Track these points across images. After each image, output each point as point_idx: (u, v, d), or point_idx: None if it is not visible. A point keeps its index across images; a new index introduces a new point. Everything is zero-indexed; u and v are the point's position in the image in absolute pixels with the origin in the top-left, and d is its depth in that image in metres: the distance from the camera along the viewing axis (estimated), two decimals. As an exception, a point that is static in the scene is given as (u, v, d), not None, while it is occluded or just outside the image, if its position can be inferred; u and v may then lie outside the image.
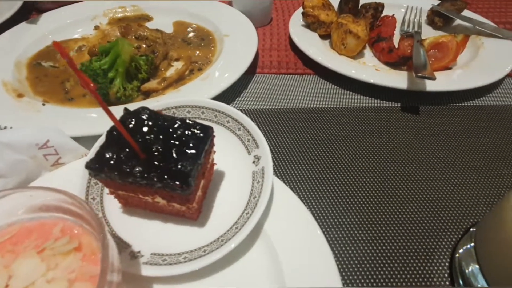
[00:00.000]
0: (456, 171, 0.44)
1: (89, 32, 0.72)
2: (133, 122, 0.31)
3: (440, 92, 0.54)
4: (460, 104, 0.55)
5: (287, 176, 0.43)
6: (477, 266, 0.30)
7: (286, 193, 0.36)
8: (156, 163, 0.29)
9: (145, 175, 0.28)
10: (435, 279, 0.33)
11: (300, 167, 0.44)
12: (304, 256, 0.32)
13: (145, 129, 0.30)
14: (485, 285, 0.29)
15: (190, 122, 0.32)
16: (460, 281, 0.32)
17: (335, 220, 0.38)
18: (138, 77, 0.54)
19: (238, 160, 0.39)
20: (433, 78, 0.49)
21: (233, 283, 0.32)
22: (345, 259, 0.35)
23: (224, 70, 0.56)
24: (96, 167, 0.28)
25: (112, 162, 0.28)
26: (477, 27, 0.67)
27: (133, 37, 0.62)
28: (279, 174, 0.43)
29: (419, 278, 0.33)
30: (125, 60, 0.51)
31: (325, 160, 0.45)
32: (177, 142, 0.30)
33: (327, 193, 0.41)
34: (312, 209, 0.39)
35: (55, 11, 0.74)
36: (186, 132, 0.31)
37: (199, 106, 0.42)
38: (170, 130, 0.31)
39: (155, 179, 0.28)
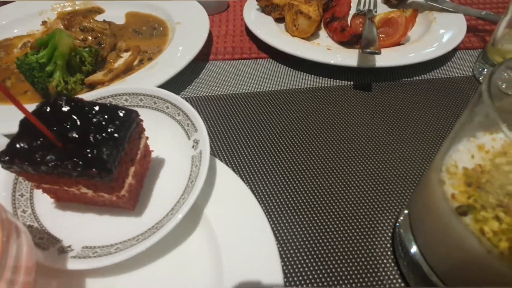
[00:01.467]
0: (405, 144, 0.44)
1: (36, 28, 0.69)
2: (48, 111, 0.29)
3: (391, 67, 0.54)
4: (411, 79, 0.55)
5: (236, 160, 0.42)
6: (411, 233, 0.29)
7: (230, 177, 0.36)
8: (72, 150, 0.27)
9: (59, 163, 0.26)
10: (377, 250, 0.33)
11: (250, 151, 0.43)
12: (246, 240, 0.31)
13: (62, 117, 0.29)
14: (417, 250, 0.28)
15: (112, 107, 0.30)
16: (400, 249, 0.31)
17: (282, 199, 0.38)
18: (82, 69, 0.52)
19: (178, 146, 0.37)
20: (378, 52, 0.49)
21: (173, 271, 0.31)
22: (288, 237, 0.34)
23: (173, 58, 0.54)
24: (6, 159, 0.27)
25: (23, 152, 0.27)
26: (429, 2, 0.67)
27: (77, 29, 0.59)
28: (227, 159, 0.42)
29: (362, 249, 0.33)
30: (63, 52, 0.48)
31: (276, 142, 0.44)
32: (96, 128, 0.28)
33: (275, 174, 0.40)
34: (259, 190, 0.38)
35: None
36: (107, 118, 0.29)
37: (137, 94, 0.40)
38: (89, 116, 0.29)
39: (70, 167, 0.26)
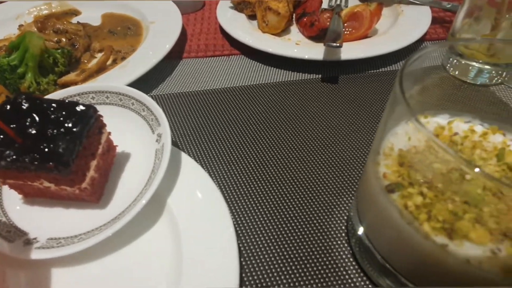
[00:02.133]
0: (369, 133, 0.45)
1: (14, 32, 0.70)
2: (9, 109, 0.30)
3: (357, 60, 0.55)
4: (378, 71, 0.57)
5: (204, 154, 0.43)
6: (358, 215, 0.31)
7: (195, 169, 0.37)
8: (31, 146, 0.28)
9: (17, 158, 0.28)
10: (332, 232, 0.35)
11: (219, 144, 0.45)
12: (206, 229, 0.32)
13: (22, 114, 0.30)
14: (362, 230, 0.30)
15: (70, 104, 0.31)
16: (351, 230, 0.33)
17: (245, 190, 0.39)
18: (55, 70, 0.53)
19: (143, 140, 0.39)
20: (340, 46, 0.50)
21: (135, 259, 0.32)
22: (250, 224, 0.36)
23: (144, 57, 0.55)
24: (-34, 156, 0.28)
25: (-17, 149, 0.28)
26: (397, -5, 0.69)
27: (51, 31, 0.60)
28: (196, 152, 0.44)
29: (319, 232, 0.35)
30: (34, 54, 0.50)
31: (244, 135, 0.46)
32: (54, 124, 0.30)
33: (241, 166, 0.42)
34: (225, 182, 0.40)
35: (-26, 13, 0.71)
36: (65, 114, 0.30)
37: (103, 91, 0.41)
38: (48, 113, 0.30)
39: (28, 161, 0.28)
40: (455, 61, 0.50)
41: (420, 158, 0.26)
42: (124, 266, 0.32)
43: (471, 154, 0.26)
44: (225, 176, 0.41)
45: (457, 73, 0.51)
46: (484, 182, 0.24)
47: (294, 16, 0.67)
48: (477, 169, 0.19)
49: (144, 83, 0.55)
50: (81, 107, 0.31)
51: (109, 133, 0.36)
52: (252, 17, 0.68)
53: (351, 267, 0.32)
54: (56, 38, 0.59)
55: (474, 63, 0.48)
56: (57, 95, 0.40)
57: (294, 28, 0.67)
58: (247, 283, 0.31)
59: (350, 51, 0.55)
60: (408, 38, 0.58)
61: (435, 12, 0.70)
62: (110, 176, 0.37)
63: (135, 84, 0.51)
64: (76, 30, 0.62)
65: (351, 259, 0.33)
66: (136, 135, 0.39)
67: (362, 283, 0.31)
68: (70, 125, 0.30)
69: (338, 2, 0.68)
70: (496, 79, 0.49)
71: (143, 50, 0.57)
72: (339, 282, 0.31)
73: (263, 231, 0.35)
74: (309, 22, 0.62)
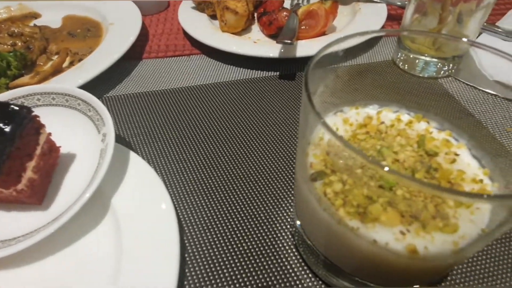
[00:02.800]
0: (318, 127, 0.46)
1: (-30, 36, 0.68)
2: None
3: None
4: (334, 66, 0.58)
5: (156, 153, 0.43)
6: (296, 206, 0.32)
7: (143, 168, 0.37)
8: (-42, 148, 0.28)
9: None
10: (278, 226, 0.35)
11: (173, 144, 0.45)
12: (149, 231, 0.32)
13: (-50, 116, 0.29)
14: (299, 221, 0.31)
15: (3, 104, 0.31)
16: (293, 222, 0.34)
17: (194, 189, 0.39)
18: (8, 74, 0.52)
19: (88, 141, 0.39)
20: (291, 43, 0.51)
21: (77, 259, 0.32)
22: (197, 221, 0.36)
23: (100, 58, 0.55)
24: None
25: None
26: (356, -6, 0.71)
27: (5, 34, 0.59)
28: (148, 152, 0.43)
29: (265, 225, 0.35)
30: (-18, 57, 0.48)
31: (200, 133, 0.46)
32: (-17, 125, 0.29)
33: (193, 166, 0.42)
34: (174, 181, 0.40)
35: None
36: (-4, 114, 0.30)
37: (49, 93, 0.41)
38: (-22, 114, 0.30)
39: (-47, 163, 0.27)
40: (403, 55, 0.52)
41: (344, 152, 0.27)
42: (64, 267, 0.31)
43: (392, 141, 0.27)
44: (177, 175, 0.41)
45: (406, 67, 0.52)
46: (398, 167, 0.25)
47: (255, 15, 0.68)
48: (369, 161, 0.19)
49: (102, 84, 0.55)
50: (13, 108, 0.31)
51: (49, 134, 0.36)
52: (213, 17, 0.68)
53: (293, 258, 0.33)
54: (11, 41, 0.58)
55: (420, 57, 0.50)
56: (2, 97, 0.40)
57: (255, 27, 0.67)
58: (189, 278, 0.31)
59: (306, 48, 0.56)
60: (363, 36, 0.59)
61: (393, 10, 0.72)
62: (53, 177, 0.37)
63: (91, 85, 0.51)
64: (32, 32, 0.61)
65: (293, 250, 0.33)
66: (82, 136, 0.39)
67: (303, 272, 0.31)
68: (0, 126, 0.29)
69: (297, 1, 0.70)
70: (443, 71, 0.51)
71: (100, 52, 0.57)
72: (281, 272, 0.32)
73: (210, 227, 0.35)
74: (268, 20, 0.62)
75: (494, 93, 0.40)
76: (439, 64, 0.50)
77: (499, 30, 0.60)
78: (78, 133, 0.39)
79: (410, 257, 0.21)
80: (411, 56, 0.51)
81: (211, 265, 0.32)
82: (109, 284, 0.29)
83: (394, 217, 0.22)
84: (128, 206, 0.34)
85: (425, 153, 0.26)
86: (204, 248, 0.34)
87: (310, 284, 0.31)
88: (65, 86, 0.41)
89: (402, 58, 0.52)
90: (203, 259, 0.33)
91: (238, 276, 0.31)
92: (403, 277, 0.24)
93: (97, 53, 0.57)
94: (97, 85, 0.54)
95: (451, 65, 0.49)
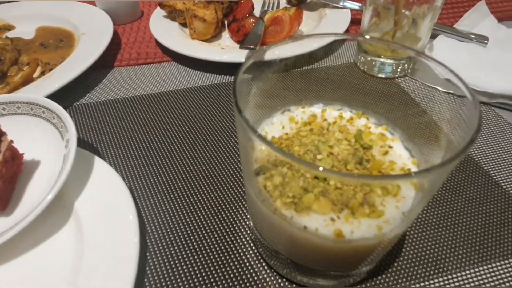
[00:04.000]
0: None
1: None
2: None
3: (279, 59, 0.58)
4: (299, 69, 0.60)
5: (122, 158, 0.44)
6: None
7: (108, 173, 0.38)
8: None
9: None
10: (237, 223, 0.37)
11: (139, 148, 0.46)
12: (110, 234, 0.33)
13: None
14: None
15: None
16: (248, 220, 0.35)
17: (159, 191, 0.40)
18: (-24, 85, 0.53)
19: (53, 147, 0.39)
20: (253, 48, 0.53)
21: (38, 263, 0.33)
22: (158, 226, 0.37)
23: (70, 68, 0.56)
24: None
25: None
26: (322, 1, 0.74)
27: (-25, 46, 0.59)
28: (114, 158, 0.44)
29: (225, 223, 0.36)
30: (-51, 69, 0.49)
31: (166, 138, 0.47)
32: None
33: (159, 170, 0.43)
34: (142, 186, 0.41)
35: None
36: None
37: (14, 102, 0.42)
38: None
39: None
40: (362, 58, 0.54)
41: (287, 143, 0.29)
42: (24, 271, 0.32)
43: (331, 136, 0.29)
44: (142, 178, 0.42)
45: (365, 68, 0.55)
46: (332, 160, 0.27)
47: (226, 23, 0.70)
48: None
49: (72, 93, 0.56)
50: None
51: (11, 141, 0.37)
52: (184, 25, 0.70)
53: (251, 252, 0.34)
54: (-19, 53, 0.59)
55: (377, 59, 0.53)
56: (-34, 107, 0.40)
57: (225, 34, 0.69)
58: (149, 276, 0.33)
59: (270, 53, 0.58)
60: (327, 38, 0.62)
61: (359, 14, 0.75)
62: (18, 184, 0.38)
63: (61, 94, 0.52)
64: (4, 44, 0.61)
65: (251, 245, 0.35)
66: (46, 143, 0.40)
67: (259, 265, 0.33)
68: (-42, 134, 0.30)
69: (265, 9, 0.72)
70: (399, 72, 0.53)
71: (70, 61, 0.58)
72: (238, 266, 0.33)
73: (173, 227, 0.36)
74: (236, 27, 0.65)
75: (445, 90, 0.44)
76: (394, 64, 0.52)
77: (453, 32, 0.63)
78: (42, 141, 0.40)
79: (336, 241, 0.23)
80: (369, 58, 0.53)
81: (172, 264, 0.33)
82: (68, 285, 0.30)
83: (325, 205, 0.24)
84: (90, 209, 0.35)
85: (361, 146, 0.28)
86: (166, 248, 0.35)
87: (265, 275, 0.32)
88: (29, 95, 0.42)
89: (361, 60, 0.54)
90: (165, 258, 0.34)
91: (197, 272, 0.33)
92: (334, 260, 0.25)
93: (67, 63, 0.58)
94: (67, 94, 0.55)
95: (406, 65, 0.52)
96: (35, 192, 0.37)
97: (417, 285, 0.31)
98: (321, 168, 0.18)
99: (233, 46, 0.65)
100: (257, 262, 0.33)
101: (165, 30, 0.67)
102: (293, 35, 0.64)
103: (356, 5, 0.71)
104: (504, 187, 0.39)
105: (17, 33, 0.72)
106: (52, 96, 0.48)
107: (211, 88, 0.56)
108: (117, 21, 0.74)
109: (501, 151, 0.44)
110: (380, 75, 0.55)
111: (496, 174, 0.41)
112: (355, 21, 0.72)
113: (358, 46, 0.61)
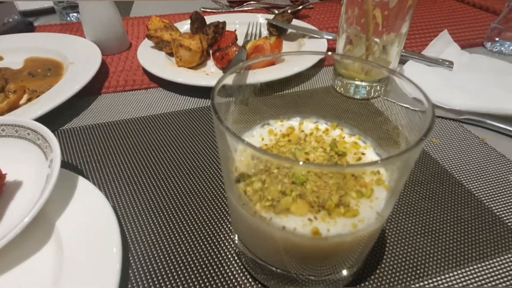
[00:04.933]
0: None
1: None
2: None
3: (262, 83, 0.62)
4: (281, 93, 0.63)
5: (106, 179, 0.45)
6: (232, 212, 0.34)
7: (92, 193, 0.38)
8: None
9: None
10: (221, 237, 0.37)
11: (124, 170, 0.46)
12: (91, 250, 0.32)
13: None
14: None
15: None
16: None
17: (143, 209, 0.40)
18: (-39, 112, 0.53)
19: (36, 168, 0.40)
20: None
21: (16, 284, 0.32)
22: (142, 243, 0.37)
23: (57, 94, 0.57)
24: None
25: None
26: (300, 32, 0.79)
27: (-37, 75, 0.60)
28: (99, 179, 0.45)
29: (210, 240, 0.37)
30: None
31: (150, 160, 0.48)
32: None
33: (145, 188, 0.43)
34: (126, 206, 0.41)
35: None
36: None
37: (-1, 124, 0.42)
38: None
39: None
40: (339, 81, 0.58)
41: (265, 159, 0.30)
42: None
43: (308, 145, 0.31)
44: (126, 198, 0.42)
45: (342, 90, 0.59)
46: (307, 166, 0.28)
47: (211, 52, 0.74)
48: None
49: (58, 118, 0.57)
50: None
51: (-6, 162, 0.37)
52: (171, 54, 0.73)
53: (235, 265, 0.34)
54: (-33, 82, 0.60)
55: (352, 82, 0.57)
56: (-51, 131, 0.41)
57: (210, 62, 0.73)
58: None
59: (254, 77, 0.61)
60: (306, 64, 0.66)
61: (335, 43, 0.81)
62: (-2, 205, 0.37)
63: (47, 120, 0.52)
64: (-9, 73, 0.62)
65: (235, 258, 0.35)
66: (29, 164, 0.40)
67: (244, 279, 0.33)
68: None
69: (248, 39, 0.77)
70: (372, 93, 0.57)
71: (57, 88, 0.59)
72: (223, 280, 0.33)
73: (156, 244, 0.36)
74: (220, 55, 0.68)
75: (413, 108, 0.47)
76: (368, 87, 0.56)
77: (421, 58, 0.69)
78: (26, 162, 0.40)
79: (313, 238, 0.23)
80: (344, 82, 0.57)
81: (155, 279, 0.33)
82: None
83: (303, 207, 0.25)
84: (73, 227, 0.35)
85: (335, 154, 0.30)
86: (149, 264, 0.34)
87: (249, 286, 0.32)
88: (15, 117, 0.43)
89: (338, 84, 0.58)
90: (147, 275, 0.33)
91: (180, 285, 0.32)
92: (314, 260, 0.26)
93: (54, 90, 0.59)
94: (53, 120, 0.56)
95: (378, 87, 0.56)
96: (16, 212, 0.37)
97: (399, 291, 0.32)
98: (300, 162, 0.20)
99: (217, 72, 0.68)
100: (241, 275, 0.33)
101: (152, 59, 0.70)
102: (275, 62, 0.68)
103: (331, 35, 0.76)
104: (476, 194, 0.41)
105: (5, 63, 0.74)
106: (39, 121, 0.48)
107: (195, 111, 0.58)
108: (105, 52, 0.77)
109: (471, 162, 0.46)
110: (355, 97, 0.58)
111: (468, 183, 0.43)
112: (331, 49, 0.78)
113: (334, 71, 0.65)
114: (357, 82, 0.56)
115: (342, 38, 0.60)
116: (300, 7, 0.98)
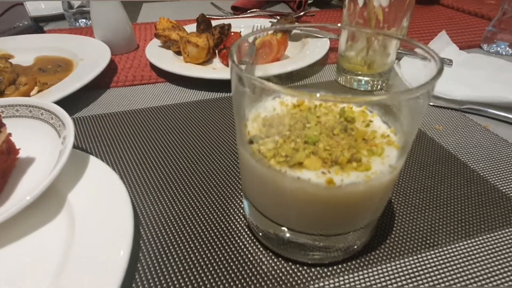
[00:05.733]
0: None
1: None
2: None
3: (266, 77, 0.63)
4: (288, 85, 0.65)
5: (120, 161, 0.45)
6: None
7: (105, 172, 0.38)
8: None
9: None
10: (232, 212, 0.37)
11: (137, 153, 0.47)
12: (103, 222, 0.32)
13: None
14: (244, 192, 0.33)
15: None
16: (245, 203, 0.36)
17: (153, 185, 0.41)
18: (-26, 100, 0.54)
19: (49, 146, 0.40)
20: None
21: (28, 251, 0.32)
22: (153, 217, 0.37)
23: (67, 86, 0.58)
24: None
25: None
26: (304, 32, 0.82)
27: (-24, 68, 0.62)
28: (112, 160, 0.45)
29: (220, 214, 0.37)
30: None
31: (163, 145, 0.48)
32: None
33: (154, 169, 0.44)
34: (136, 181, 0.41)
35: None
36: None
37: (13, 105, 0.43)
38: None
39: None
40: (342, 76, 0.60)
41: (279, 120, 0.31)
42: (10, 260, 0.31)
43: (318, 112, 0.32)
44: (137, 176, 0.42)
45: (346, 84, 0.60)
46: (320, 128, 0.29)
47: (217, 52, 0.76)
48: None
49: (68, 109, 0.57)
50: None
51: (10, 134, 0.37)
52: (178, 53, 0.75)
53: (246, 237, 0.34)
54: (-20, 74, 0.61)
55: (355, 76, 0.58)
56: (-35, 110, 0.42)
57: (216, 60, 0.75)
58: (143, 264, 0.32)
59: (263, 70, 0.63)
60: (310, 60, 0.68)
61: (336, 43, 0.83)
62: (10, 178, 0.37)
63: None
64: (4, 67, 0.64)
65: (246, 231, 0.35)
66: (43, 143, 0.41)
67: (255, 248, 0.33)
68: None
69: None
70: (375, 86, 0.59)
71: (67, 81, 0.61)
72: (233, 249, 0.33)
73: (167, 219, 0.36)
74: (227, 53, 0.70)
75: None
76: (370, 80, 0.58)
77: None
78: (39, 141, 0.41)
79: (327, 187, 0.24)
80: (348, 76, 0.59)
81: (166, 250, 0.33)
82: (53, 276, 0.29)
83: (316, 162, 0.26)
84: (84, 200, 0.35)
85: (345, 119, 0.31)
86: (160, 236, 0.34)
87: (261, 256, 0.32)
88: (28, 98, 0.44)
89: (342, 78, 0.60)
90: (159, 245, 0.33)
91: (192, 256, 0.32)
92: (327, 214, 0.26)
93: (64, 82, 0.60)
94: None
95: (380, 80, 0.58)
96: (28, 186, 0.37)
97: (410, 258, 0.32)
98: (318, 95, 0.21)
99: (224, 68, 0.70)
100: (252, 245, 0.33)
101: (160, 56, 0.72)
102: (280, 58, 0.70)
103: (333, 35, 0.79)
104: (481, 174, 0.42)
105: (16, 61, 0.75)
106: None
107: (203, 102, 0.59)
108: (114, 52, 0.79)
109: (474, 146, 0.47)
110: (358, 89, 0.60)
111: (473, 164, 0.43)
112: (333, 48, 0.80)
113: (337, 66, 0.67)
114: (359, 77, 0.58)
115: (343, 34, 0.62)
116: (302, 14, 1.02)
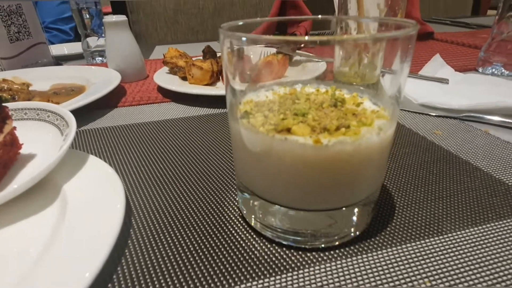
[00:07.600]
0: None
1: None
2: None
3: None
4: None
5: (119, 162, 0.46)
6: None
7: (104, 170, 0.38)
8: None
9: None
10: (225, 203, 0.36)
11: (140, 157, 0.47)
12: (95, 209, 0.32)
13: None
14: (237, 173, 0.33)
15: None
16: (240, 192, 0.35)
17: (148, 179, 0.41)
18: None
19: (51, 143, 0.41)
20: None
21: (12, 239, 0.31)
22: (145, 209, 0.36)
23: (75, 103, 0.61)
24: None
25: None
26: (304, 57, 0.87)
27: (-5, 89, 0.66)
28: (109, 160, 0.46)
29: (213, 205, 0.36)
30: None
31: (161, 151, 0.49)
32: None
33: (151, 169, 0.44)
34: (132, 177, 0.42)
35: None
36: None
37: (22, 108, 0.46)
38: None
39: None
40: (339, 86, 0.62)
41: (269, 102, 0.32)
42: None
43: (310, 93, 0.32)
44: (134, 173, 0.42)
45: (343, 94, 0.62)
46: (309, 103, 0.30)
47: (220, 76, 0.81)
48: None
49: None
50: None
51: (14, 128, 0.39)
52: (184, 78, 0.80)
53: (239, 225, 0.33)
54: (-2, 95, 0.65)
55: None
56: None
57: (220, 83, 0.79)
58: (133, 255, 0.31)
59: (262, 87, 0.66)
60: (308, 76, 0.71)
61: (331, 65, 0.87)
62: (10, 171, 0.38)
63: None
64: (21, 88, 0.69)
65: (240, 220, 0.34)
66: (47, 142, 0.42)
67: (249, 236, 0.32)
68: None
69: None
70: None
71: (76, 99, 0.64)
72: (226, 237, 0.31)
73: (160, 211, 0.36)
74: (229, 75, 0.74)
75: (420, 112, 0.51)
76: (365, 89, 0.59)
77: (417, 76, 0.73)
78: (44, 141, 0.42)
79: (314, 147, 0.24)
80: (345, 88, 0.61)
81: (157, 238, 0.32)
82: (36, 259, 0.28)
83: (304, 129, 0.26)
84: (79, 192, 0.35)
85: (335, 99, 0.31)
86: (151, 224, 0.33)
87: (254, 243, 0.31)
88: (36, 102, 0.46)
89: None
90: (149, 234, 0.32)
91: (183, 243, 0.31)
92: (316, 181, 0.26)
93: (73, 100, 0.64)
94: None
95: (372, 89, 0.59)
96: (25, 179, 0.37)
97: (413, 243, 0.30)
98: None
99: (226, 89, 0.73)
100: (245, 232, 0.32)
101: (166, 80, 0.76)
102: (280, 77, 0.73)
103: (330, 59, 0.83)
104: (485, 170, 0.40)
105: (33, 88, 0.81)
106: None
107: (204, 117, 0.61)
108: (125, 80, 0.84)
109: (476, 147, 0.46)
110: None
111: (476, 162, 0.42)
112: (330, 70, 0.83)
113: (334, 80, 0.69)
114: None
115: (338, 56, 0.66)
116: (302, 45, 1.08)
